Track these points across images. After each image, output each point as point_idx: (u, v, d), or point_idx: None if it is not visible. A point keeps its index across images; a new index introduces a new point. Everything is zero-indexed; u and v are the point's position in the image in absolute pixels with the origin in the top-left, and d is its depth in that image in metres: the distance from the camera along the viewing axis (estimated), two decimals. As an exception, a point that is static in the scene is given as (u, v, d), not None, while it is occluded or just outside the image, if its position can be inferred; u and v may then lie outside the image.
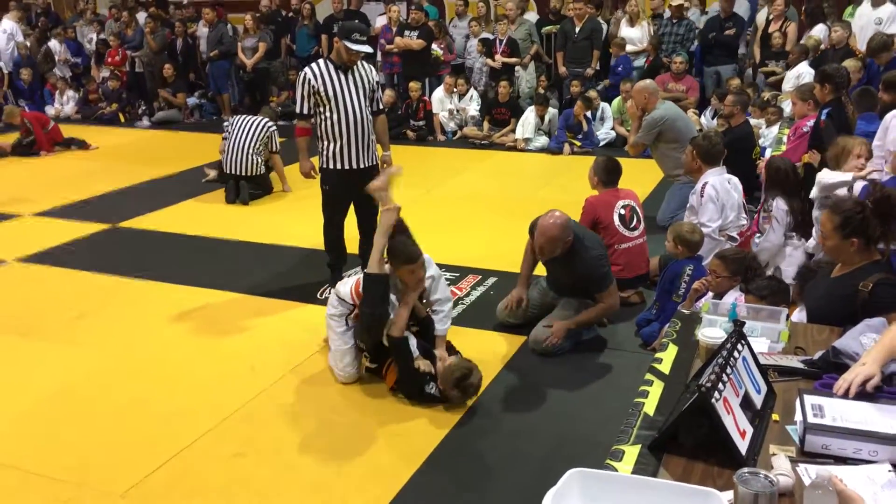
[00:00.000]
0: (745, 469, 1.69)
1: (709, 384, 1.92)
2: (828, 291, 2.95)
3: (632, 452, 2.00)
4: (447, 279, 4.98)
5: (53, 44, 12.41)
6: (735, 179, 4.88)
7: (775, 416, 2.12)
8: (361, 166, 4.79)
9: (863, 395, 2.08)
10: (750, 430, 1.99)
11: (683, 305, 3.80)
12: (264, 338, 4.46)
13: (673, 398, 2.21)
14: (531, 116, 9.11)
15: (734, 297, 3.60)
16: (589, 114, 8.94)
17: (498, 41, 9.98)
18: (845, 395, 2.08)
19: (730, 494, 1.68)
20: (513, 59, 9.93)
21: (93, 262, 5.74)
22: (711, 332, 2.43)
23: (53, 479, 3.22)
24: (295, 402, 3.77)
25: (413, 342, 3.76)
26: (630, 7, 9.66)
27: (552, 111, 9.23)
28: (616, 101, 9.10)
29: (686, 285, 4.10)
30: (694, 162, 4.91)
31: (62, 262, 5.78)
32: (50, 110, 11.59)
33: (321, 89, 4.63)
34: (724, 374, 1.99)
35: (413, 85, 9.75)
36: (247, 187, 7.25)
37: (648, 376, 2.40)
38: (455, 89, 9.76)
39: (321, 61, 4.74)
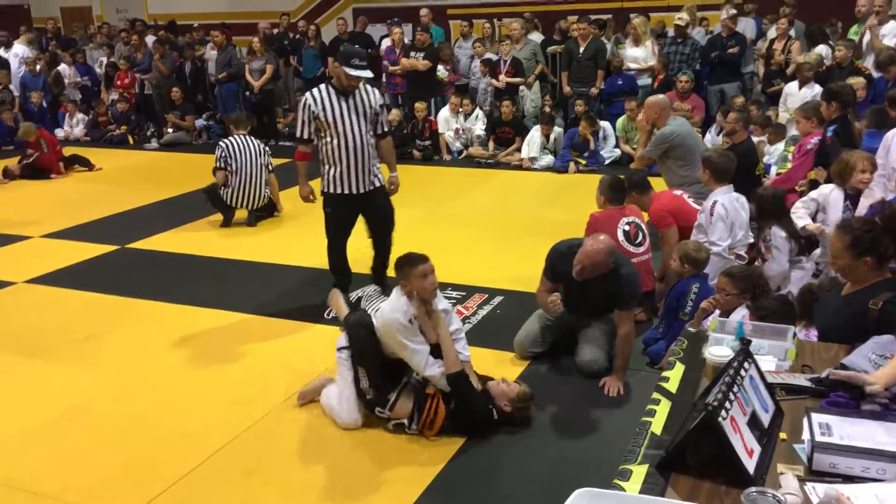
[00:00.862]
0: (753, 488, 1.69)
1: (716, 403, 1.92)
2: (838, 309, 2.95)
3: (639, 472, 1.99)
4: (453, 299, 5.00)
5: (63, 67, 12.56)
6: (743, 198, 4.88)
7: (783, 435, 2.12)
8: (361, 191, 4.84)
9: (871, 412, 2.08)
10: (758, 449, 1.99)
11: (691, 324, 3.79)
12: (272, 358, 4.47)
13: (680, 417, 2.21)
14: (536, 136, 9.15)
15: (741, 314, 3.60)
16: (593, 133, 8.98)
17: (502, 61, 10.05)
18: (836, 383, 2.07)
19: (738, 514, 1.67)
20: (517, 79, 9.99)
21: (101, 284, 5.77)
22: (718, 350, 2.43)
23: (60, 500, 3.23)
24: (303, 423, 3.77)
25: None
26: (631, 28, 9.72)
27: (557, 130, 9.27)
28: (621, 119, 9.13)
29: (692, 303, 4.10)
30: (705, 176, 4.92)
31: (71, 284, 5.81)
32: (60, 133, 11.71)
33: (321, 115, 4.66)
34: (731, 393, 1.99)
35: (419, 105, 9.82)
36: (254, 212, 7.25)
37: (655, 395, 2.40)
38: (461, 109, 9.82)
39: (322, 86, 4.77)
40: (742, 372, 2.13)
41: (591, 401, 3.90)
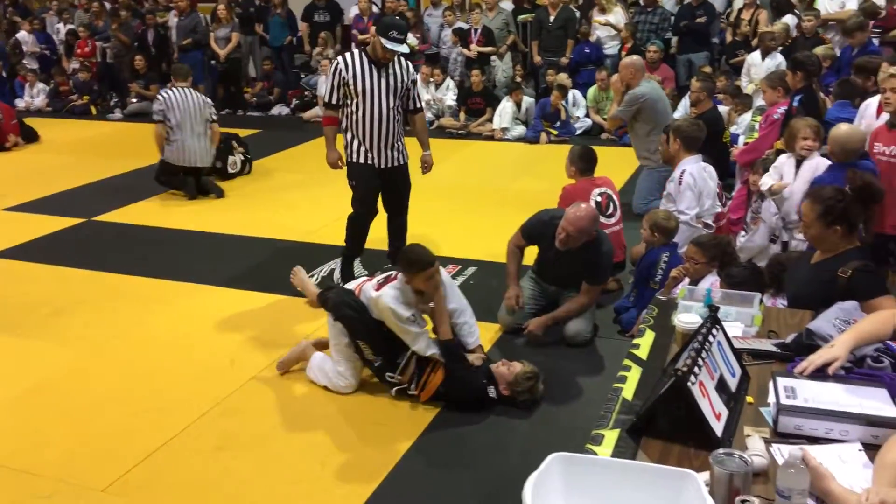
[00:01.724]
0: (721, 450, 1.73)
1: (685, 368, 1.96)
2: (808, 276, 3.00)
3: (611, 437, 2.03)
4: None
5: (22, 34, 12.20)
6: (710, 167, 4.94)
7: (750, 399, 2.17)
8: (385, 166, 4.69)
9: (835, 376, 2.14)
10: (725, 413, 2.04)
11: (661, 293, 3.84)
12: (244, 331, 4.45)
13: (651, 383, 2.25)
14: (508, 106, 9.14)
15: (710, 282, 3.66)
16: (565, 101, 8.98)
17: (473, 30, 9.97)
18: (801, 347, 2.15)
19: (706, 475, 1.72)
20: (488, 49, 9.93)
21: (68, 257, 5.68)
22: (687, 317, 2.47)
23: (33, 474, 3.21)
24: (276, 395, 3.77)
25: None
26: None
27: (528, 100, 9.26)
28: (592, 89, 9.14)
29: (663, 272, 4.16)
30: (675, 145, 4.93)
31: (37, 258, 5.71)
32: (20, 103, 11.41)
33: (351, 81, 4.49)
34: (699, 359, 2.03)
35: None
36: (209, 180, 7.07)
37: (627, 362, 2.44)
38: (431, 79, 9.75)
39: (356, 52, 4.59)
40: (710, 338, 2.17)
41: (566, 369, 3.95)
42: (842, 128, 4.24)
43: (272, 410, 3.64)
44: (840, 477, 1.74)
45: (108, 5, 12.23)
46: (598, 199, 4.76)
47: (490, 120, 9.31)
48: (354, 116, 4.58)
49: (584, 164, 4.92)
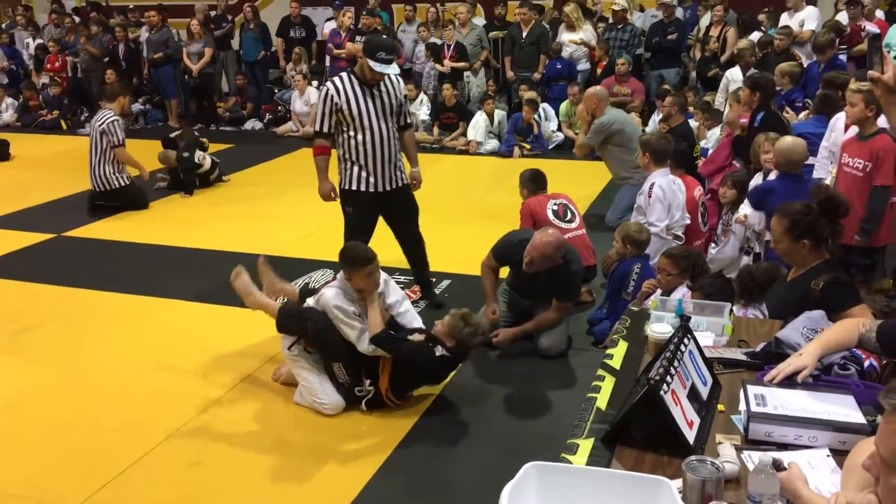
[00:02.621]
0: (693, 457, 1.76)
1: (657, 377, 1.98)
2: (784, 294, 3.05)
3: (585, 445, 2.06)
4: (400, 283, 5.01)
5: (-11, 49, 12.08)
6: (679, 180, 5.02)
7: (721, 407, 2.21)
8: (388, 188, 4.54)
9: (803, 383, 2.18)
10: (697, 421, 2.07)
11: (633, 304, 3.89)
12: (216, 346, 4.41)
13: (624, 392, 2.28)
14: (482, 119, 9.21)
15: (682, 293, 3.71)
16: (537, 116, 9.07)
17: (446, 46, 10.05)
18: (770, 356, 2.22)
19: (679, 482, 1.74)
20: (461, 64, 10.01)
21: (37, 273, 5.60)
22: (659, 327, 2.51)
23: (3, 493, 3.15)
24: (250, 411, 3.74)
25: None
26: (564, 15, 9.81)
27: (500, 113, 9.34)
28: (564, 104, 9.24)
29: (635, 283, 4.21)
30: (644, 159, 5.04)
31: (5, 274, 5.62)
32: (-13, 118, 11.27)
33: (344, 107, 4.32)
34: (671, 368, 2.06)
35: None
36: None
37: (600, 372, 2.47)
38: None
39: (344, 75, 4.42)
40: (682, 347, 2.20)
41: (539, 379, 3.98)
42: (786, 140, 4.38)
43: (247, 426, 3.62)
44: (809, 482, 1.78)
45: (77, 20, 12.12)
46: (555, 208, 4.88)
47: (464, 134, 9.36)
48: (353, 142, 4.40)
49: (534, 185, 5.08)
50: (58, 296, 5.22)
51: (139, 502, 3.10)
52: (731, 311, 2.81)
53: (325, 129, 4.45)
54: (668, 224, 4.85)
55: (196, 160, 7.63)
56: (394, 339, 3.60)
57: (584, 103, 6.33)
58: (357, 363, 3.64)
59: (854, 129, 4.30)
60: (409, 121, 4.70)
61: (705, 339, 2.56)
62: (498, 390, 3.87)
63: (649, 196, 4.82)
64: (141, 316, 4.86)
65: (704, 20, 9.60)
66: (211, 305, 4.97)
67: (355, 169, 4.48)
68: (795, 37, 8.00)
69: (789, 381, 2.19)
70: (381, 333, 3.56)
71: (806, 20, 8.55)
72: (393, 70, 4.32)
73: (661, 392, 1.97)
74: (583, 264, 4.69)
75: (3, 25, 13.36)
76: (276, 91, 11.26)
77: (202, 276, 5.48)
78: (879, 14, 8.87)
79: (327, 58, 10.68)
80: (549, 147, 9.05)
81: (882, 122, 4.00)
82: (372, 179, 4.49)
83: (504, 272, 4.49)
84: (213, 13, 11.80)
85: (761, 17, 9.25)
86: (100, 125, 6.87)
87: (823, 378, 2.23)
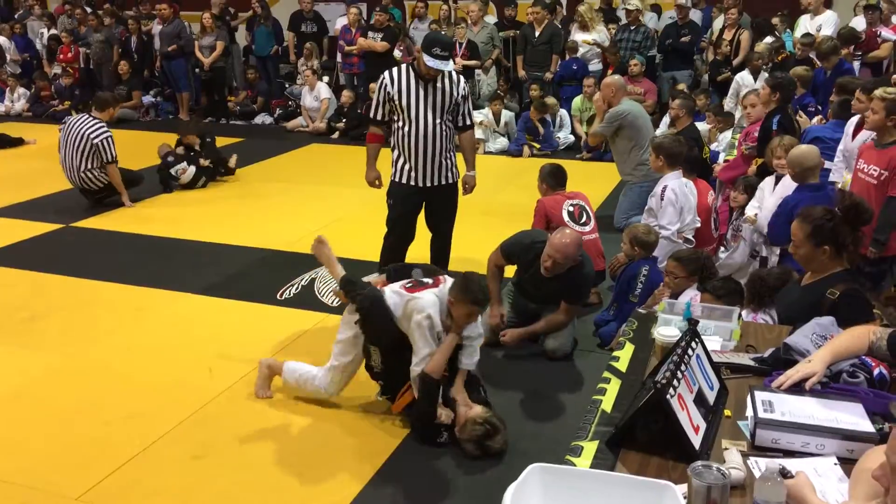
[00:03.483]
0: (699, 462, 1.74)
1: (664, 381, 1.97)
2: (798, 299, 3.00)
3: (590, 448, 2.04)
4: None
5: (2, 39, 12.11)
6: (691, 183, 4.99)
7: (727, 412, 2.19)
8: (429, 185, 4.50)
9: (811, 390, 2.16)
10: (703, 426, 2.05)
11: (644, 307, 3.86)
12: (222, 339, 4.41)
13: (630, 395, 2.26)
14: (478, 116, 9.16)
15: (690, 296, 3.68)
16: (548, 117, 9.04)
17: (458, 44, 10.03)
18: (778, 362, 2.18)
19: (684, 487, 1.73)
20: (473, 62, 9.99)
21: (45, 263, 5.62)
22: (667, 330, 2.49)
23: (6, 482, 3.15)
24: (253, 405, 3.74)
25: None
26: (577, 15, 9.77)
27: (507, 114, 9.32)
28: (577, 99, 9.21)
29: (642, 286, 4.18)
30: (658, 162, 4.99)
31: (13, 263, 5.64)
32: (0, 107, 11.31)
33: (396, 97, 4.37)
34: (678, 372, 2.05)
35: (374, 86, 9.72)
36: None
37: (606, 374, 2.45)
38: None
39: (404, 66, 4.45)
40: (689, 351, 2.18)
41: (545, 381, 3.96)
42: (799, 148, 4.32)
43: (249, 420, 3.61)
44: (816, 490, 1.76)
45: (88, 10, 12.16)
46: (571, 209, 4.83)
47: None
48: (400, 133, 4.43)
49: (554, 180, 5.02)
50: (65, 286, 5.23)
51: (140, 494, 3.10)
52: (740, 315, 2.79)
53: (378, 117, 4.51)
54: (680, 227, 4.82)
55: (174, 172, 7.49)
56: (432, 393, 3.33)
57: (602, 91, 6.29)
58: (397, 366, 3.44)
59: (864, 135, 4.25)
60: (468, 122, 4.62)
61: (713, 343, 2.54)
62: (502, 391, 3.85)
63: (661, 199, 4.79)
64: (147, 308, 4.86)
65: (718, 23, 9.55)
66: (218, 299, 4.97)
67: (401, 161, 4.50)
68: (813, 43, 7.95)
69: (797, 388, 2.17)
70: (430, 378, 3.30)
71: (824, 25, 8.50)
72: (447, 67, 4.30)
73: (668, 396, 1.95)
74: (593, 269, 4.67)
75: (17, 15, 13.41)
76: (287, 86, 11.27)
77: (210, 270, 5.49)
78: None
79: (339, 54, 10.67)
80: (560, 147, 9.03)
81: None
82: (414, 173, 4.48)
83: (509, 271, 4.46)
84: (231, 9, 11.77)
85: (775, 20, 9.19)
86: (94, 137, 6.69)
87: (832, 385, 2.21)
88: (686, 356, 2.15)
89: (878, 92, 4.02)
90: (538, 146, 8.87)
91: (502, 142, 9.12)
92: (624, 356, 2.58)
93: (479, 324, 3.48)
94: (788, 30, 9.13)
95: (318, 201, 7.03)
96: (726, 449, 1.98)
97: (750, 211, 4.69)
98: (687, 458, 1.85)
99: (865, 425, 1.98)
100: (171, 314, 4.78)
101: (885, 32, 8.36)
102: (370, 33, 10.07)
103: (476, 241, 5.40)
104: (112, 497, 3.07)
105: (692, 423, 2.00)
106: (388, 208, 4.64)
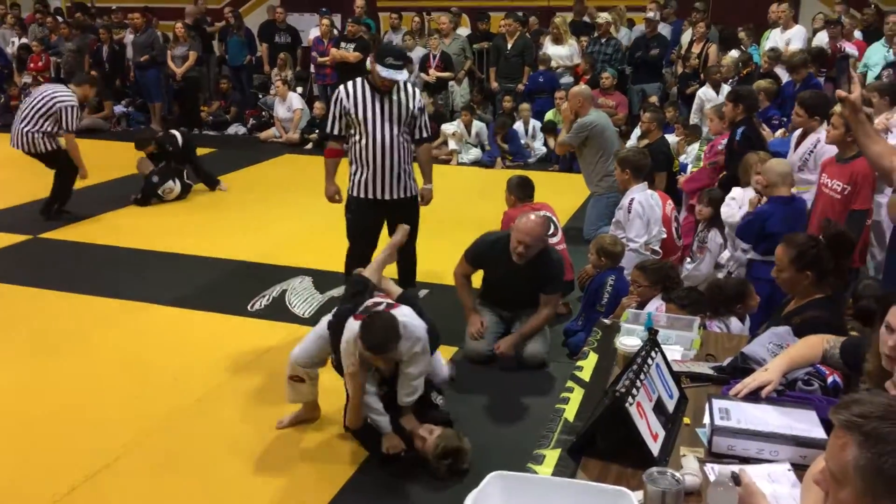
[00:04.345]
0: (655, 469, 1.79)
1: (623, 390, 2.01)
2: (779, 326, 3.05)
3: (552, 456, 2.08)
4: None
5: (-29, 48, 11.98)
6: (657, 195, 5.07)
7: (686, 420, 2.24)
8: (388, 198, 4.44)
9: (767, 398, 2.22)
10: (662, 433, 2.10)
11: (611, 317, 3.91)
12: (189, 350, 4.40)
13: (592, 404, 2.31)
14: (450, 128, 9.24)
15: (656, 306, 3.74)
16: (518, 126, 9.14)
17: (432, 56, 10.10)
18: (736, 370, 2.25)
19: (641, 493, 1.77)
20: (446, 74, 10.06)
21: (13, 274, 5.55)
22: (629, 340, 2.54)
23: (-31, 497, 3.12)
24: (219, 416, 3.73)
25: (385, 421, 3.25)
26: (553, 27, 9.89)
27: (478, 124, 9.38)
28: (549, 113, 9.30)
29: (609, 296, 4.24)
30: (623, 175, 5.06)
31: (-21, 274, 5.58)
32: (-33, 116, 11.15)
33: (352, 111, 4.30)
34: (637, 380, 2.09)
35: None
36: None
37: (570, 384, 2.50)
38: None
39: (359, 80, 4.38)
40: (649, 361, 2.23)
41: (512, 390, 3.99)
42: (776, 160, 4.39)
43: (216, 431, 3.60)
44: (770, 496, 1.81)
45: (59, 19, 12.05)
46: None
47: (445, 143, 9.40)
48: (358, 146, 4.37)
49: (521, 192, 5.07)
50: (33, 297, 5.18)
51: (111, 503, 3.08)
52: (702, 325, 2.85)
53: (335, 131, 4.45)
54: (647, 239, 4.89)
55: (161, 192, 7.39)
56: (363, 439, 3.33)
57: (569, 101, 6.36)
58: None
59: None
60: (425, 134, 4.55)
61: (674, 352, 2.60)
62: (468, 399, 3.88)
63: (629, 211, 4.85)
64: (115, 318, 4.83)
65: (686, 36, 9.71)
66: (187, 310, 4.95)
67: (358, 174, 4.45)
68: (780, 56, 8.11)
69: (754, 396, 2.22)
70: (353, 429, 3.31)
71: (793, 39, 8.68)
72: (401, 77, 4.27)
73: (627, 404, 1.99)
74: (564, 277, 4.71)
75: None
76: (261, 96, 11.26)
77: (179, 281, 5.46)
78: (857, 35, 9.01)
79: (311, 65, 10.68)
80: (532, 159, 9.11)
81: None
82: (372, 186, 4.42)
83: (477, 283, 4.48)
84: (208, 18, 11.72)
85: (742, 34, 9.37)
86: (60, 101, 6.46)
87: (787, 393, 2.27)
88: (646, 365, 2.20)
89: (837, 108, 4.11)
90: (511, 158, 8.95)
91: (475, 153, 9.19)
92: (588, 365, 2.63)
93: (426, 363, 3.27)
94: (755, 43, 9.32)
95: (290, 212, 7.02)
96: (684, 456, 2.03)
97: (725, 211, 4.70)
98: (646, 466, 1.89)
99: (818, 432, 2.04)
100: (140, 325, 4.76)
101: (849, 48, 8.55)
102: (343, 44, 10.10)
103: (446, 253, 5.43)
104: (78, 510, 3.05)
105: (651, 431, 2.05)
106: (347, 222, 4.59)
